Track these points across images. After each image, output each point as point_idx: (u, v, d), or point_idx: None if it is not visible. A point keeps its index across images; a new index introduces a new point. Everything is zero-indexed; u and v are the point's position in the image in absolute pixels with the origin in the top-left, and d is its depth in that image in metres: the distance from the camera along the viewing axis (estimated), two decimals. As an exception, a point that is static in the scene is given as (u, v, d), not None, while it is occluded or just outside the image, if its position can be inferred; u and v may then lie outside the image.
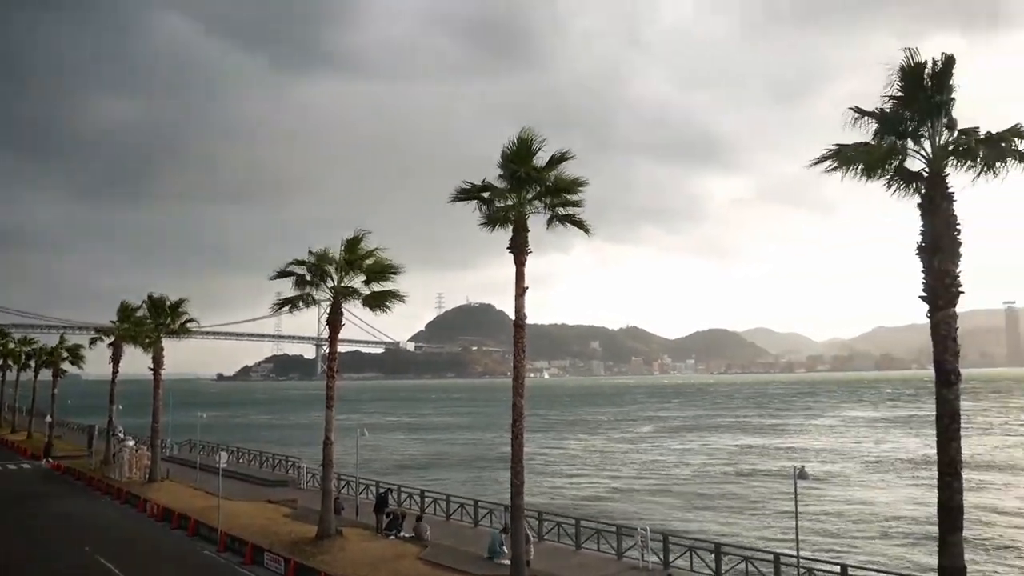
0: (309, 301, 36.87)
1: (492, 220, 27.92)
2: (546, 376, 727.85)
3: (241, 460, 62.88)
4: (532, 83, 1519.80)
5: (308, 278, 36.26)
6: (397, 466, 79.13)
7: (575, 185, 27.77)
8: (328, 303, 36.49)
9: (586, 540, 33.55)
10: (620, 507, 55.27)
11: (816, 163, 21.73)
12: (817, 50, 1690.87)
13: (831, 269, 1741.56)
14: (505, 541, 31.09)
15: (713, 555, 29.19)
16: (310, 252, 36.16)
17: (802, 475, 26.59)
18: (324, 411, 36.10)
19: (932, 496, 19.90)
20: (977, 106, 21.11)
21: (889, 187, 21.58)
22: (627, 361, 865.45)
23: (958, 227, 20.24)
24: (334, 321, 36.37)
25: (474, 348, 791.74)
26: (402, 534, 35.52)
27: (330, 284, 36.09)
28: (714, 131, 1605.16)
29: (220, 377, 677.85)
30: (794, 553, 26.54)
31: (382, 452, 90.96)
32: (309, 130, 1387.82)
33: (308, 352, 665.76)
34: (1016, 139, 20.47)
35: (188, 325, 53.89)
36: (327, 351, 38.58)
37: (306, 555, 31.69)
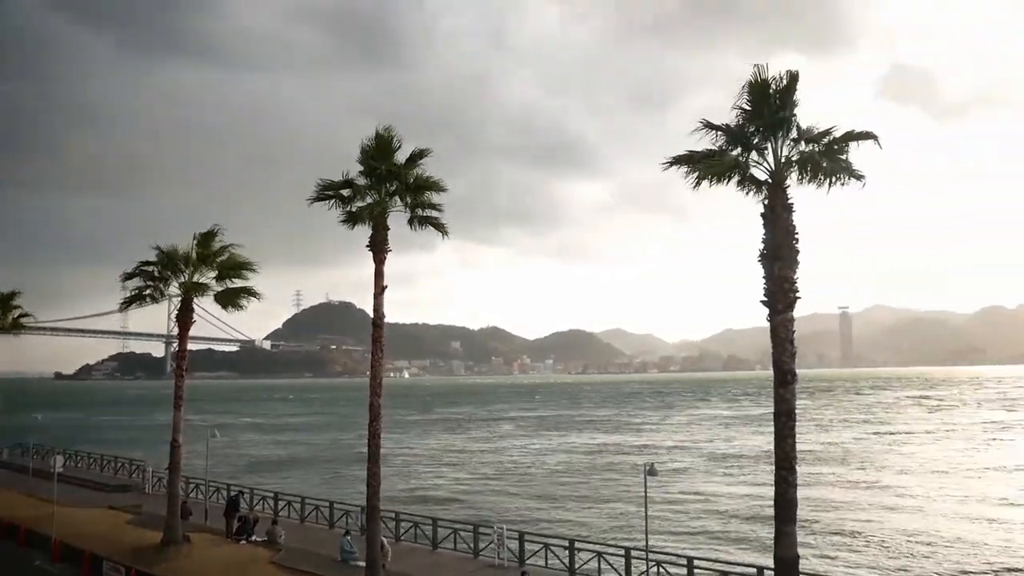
0: (158, 297, 35.28)
1: (352, 218, 27.56)
2: (406, 376, 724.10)
3: (80, 464, 59.38)
4: (399, 81, 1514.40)
5: (157, 274, 34.71)
6: (250, 468, 76.74)
7: (436, 184, 27.77)
8: (179, 299, 35.06)
9: (443, 540, 33.60)
10: (477, 506, 55.68)
11: (669, 166, 22.62)
12: (676, 62, 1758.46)
13: (684, 273, 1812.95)
14: (355, 543, 30.79)
15: (567, 551, 29.84)
16: (159, 249, 34.62)
17: (652, 472, 27.57)
18: (172, 412, 34.68)
19: (771, 490, 21.02)
20: (816, 121, 22.46)
21: (738, 195, 22.69)
22: (487, 361, 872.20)
23: (796, 236, 21.48)
24: (184, 318, 34.94)
25: (333, 347, 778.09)
26: (254, 538, 34.48)
27: (181, 280, 34.66)
28: (578, 136, 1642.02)
29: (59, 376, 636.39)
30: (644, 547, 27.49)
31: (235, 454, 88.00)
32: (166, 119, 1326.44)
33: (157, 350, 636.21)
34: (849, 143, 21.95)
35: (22, 320, 50.29)
36: (177, 349, 37.05)
37: (149, 563, 30.28)
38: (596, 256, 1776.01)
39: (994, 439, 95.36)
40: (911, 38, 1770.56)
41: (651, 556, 27.53)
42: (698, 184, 22.29)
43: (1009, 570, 37.09)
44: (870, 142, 21.77)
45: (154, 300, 35.38)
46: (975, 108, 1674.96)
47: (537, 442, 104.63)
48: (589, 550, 30.13)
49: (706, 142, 22.60)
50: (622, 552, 29.11)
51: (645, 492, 27.89)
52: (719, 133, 22.48)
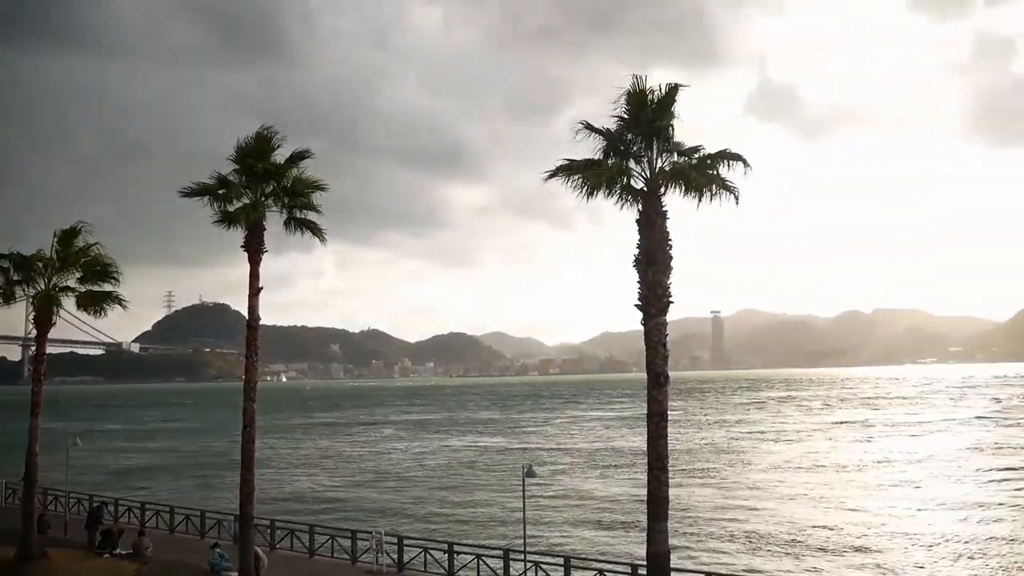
0: (9, 297, 33.24)
1: (227, 218, 26.79)
2: (283, 379, 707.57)
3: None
4: (282, 79, 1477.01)
5: (14, 276, 32.74)
6: (116, 477, 73.26)
7: (315, 185, 27.34)
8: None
9: (320, 547, 33.04)
10: (356, 511, 54.98)
11: (550, 176, 23.01)
12: (559, 71, 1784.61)
13: (564, 277, 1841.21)
14: (228, 554, 29.89)
15: (446, 554, 29.86)
16: (14, 254, 32.70)
17: (530, 473, 27.91)
18: (29, 419, 32.74)
19: (644, 488, 21.65)
20: (693, 134, 23.28)
21: (615, 202, 23.23)
22: (368, 364, 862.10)
23: (670, 243, 22.20)
24: (43, 321, 33.07)
25: (207, 350, 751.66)
26: (119, 552, 32.96)
27: (39, 284, 32.78)
28: (460, 140, 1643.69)
29: None
30: (522, 548, 27.79)
31: (99, 463, 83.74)
32: (24, 108, 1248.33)
33: (12, 353, 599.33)
34: (724, 162, 22.86)
35: None
36: (35, 352, 35.05)
37: (2, 580, 28.56)
38: (477, 260, 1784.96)
39: (855, 436, 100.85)
40: (779, 57, 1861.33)
41: (529, 556, 27.86)
42: (583, 195, 22.75)
43: (864, 551, 39.34)
44: (748, 165, 22.74)
45: (6, 301, 33.35)
46: (836, 125, 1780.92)
47: (418, 445, 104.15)
48: (468, 552, 30.25)
49: (585, 149, 23.16)
50: (500, 553, 29.36)
51: (523, 493, 28.19)
52: (599, 139, 23.06)
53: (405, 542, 31.67)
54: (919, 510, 51.35)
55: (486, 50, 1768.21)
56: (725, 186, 22.69)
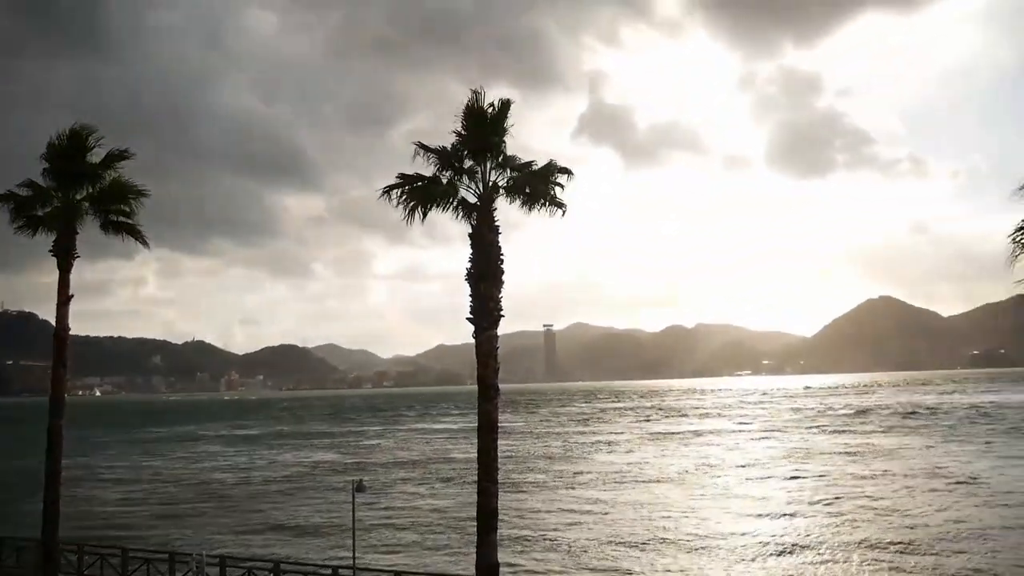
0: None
1: (33, 223, 24.95)
2: (98, 393, 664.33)
3: None
4: (99, 72, 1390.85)
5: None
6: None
7: (134, 188, 25.95)
8: None
9: (134, 571, 31.19)
10: (176, 532, 52.24)
11: (385, 192, 22.91)
12: (397, 83, 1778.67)
13: (399, 289, 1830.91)
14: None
15: (272, 574, 28.93)
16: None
17: (360, 488, 27.58)
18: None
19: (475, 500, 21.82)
20: (527, 152, 23.82)
21: (449, 216, 23.41)
22: (192, 377, 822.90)
23: (502, 257, 22.61)
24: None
25: (10, 362, 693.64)
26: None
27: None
28: (296, 148, 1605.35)
29: None
30: (351, 565, 27.35)
31: None
32: None
33: None
34: (554, 175, 23.53)
35: None
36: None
37: None
38: (310, 271, 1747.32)
39: (679, 445, 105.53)
40: (612, 82, 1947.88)
41: (358, 573, 27.45)
42: (414, 212, 22.78)
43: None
44: (574, 175, 23.60)
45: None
46: (664, 150, 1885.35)
47: (245, 460, 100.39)
48: (295, 571, 29.45)
49: (421, 161, 23.24)
50: (329, 571, 28.74)
51: (353, 508, 27.78)
52: (432, 156, 23.21)
53: (228, 563, 30.42)
54: (732, 512, 54.34)
55: (324, 58, 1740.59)
56: (555, 201, 23.37)
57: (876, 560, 39.27)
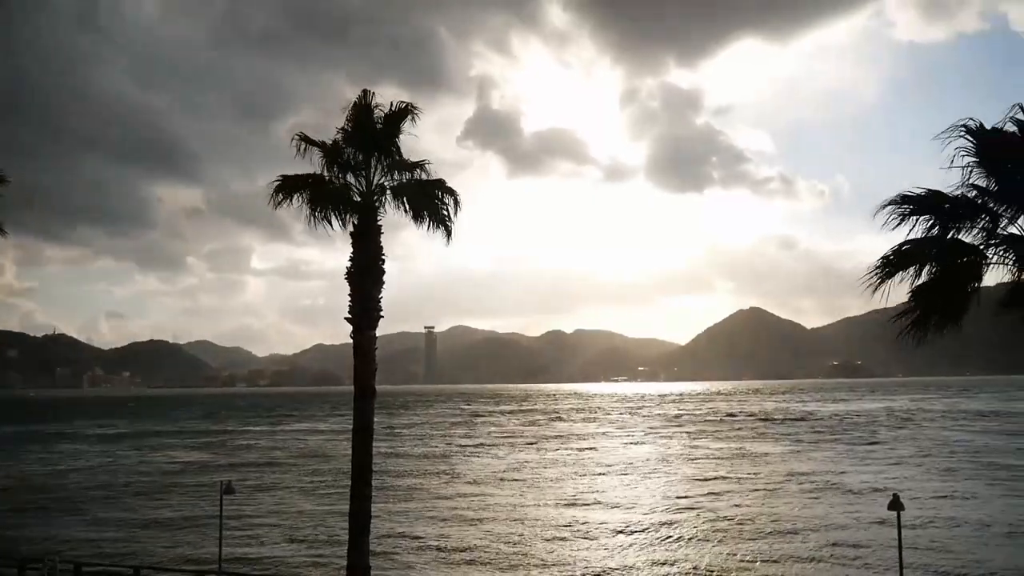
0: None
1: None
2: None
3: None
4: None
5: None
6: None
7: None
8: None
9: (-22, 578, 29.32)
10: (28, 537, 49.29)
11: (273, 193, 22.28)
12: (284, 77, 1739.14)
13: (278, 286, 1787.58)
14: None
15: (131, 579, 27.75)
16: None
17: (229, 490, 26.78)
18: None
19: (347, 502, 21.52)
20: (414, 153, 23.60)
21: (333, 215, 22.96)
22: (51, 373, 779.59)
23: (383, 257, 22.41)
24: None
25: None
26: None
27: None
28: (174, 137, 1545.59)
29: None
30: (217, 569, 26.52)
31: None
32: None
33: None
34: (441, 195, 23.33)
35: None
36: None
37: None
38: (184, 265, 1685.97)
39: (557, 447, 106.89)
40: (501, 89, 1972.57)
41: (223, 577, 26.65)
42: (304, 204, 22.21)
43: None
44: (459, 200, 23.17)
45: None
46: (548, 158, 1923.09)
47: (107, 461, 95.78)
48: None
49: (306, 162, 22.72)
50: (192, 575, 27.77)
51: (221, 511, 26.98)
52: (317, 151, 22.73)
53: (84, 568, 28.97)
54: (601, 510, 55.47)
55: (207, 47, 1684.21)
56: (440, 218, 23.01)
57: (731, 554, 40.90)
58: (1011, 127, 15.83)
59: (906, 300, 16.03)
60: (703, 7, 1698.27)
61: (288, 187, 22.05)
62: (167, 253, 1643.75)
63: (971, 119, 15.98)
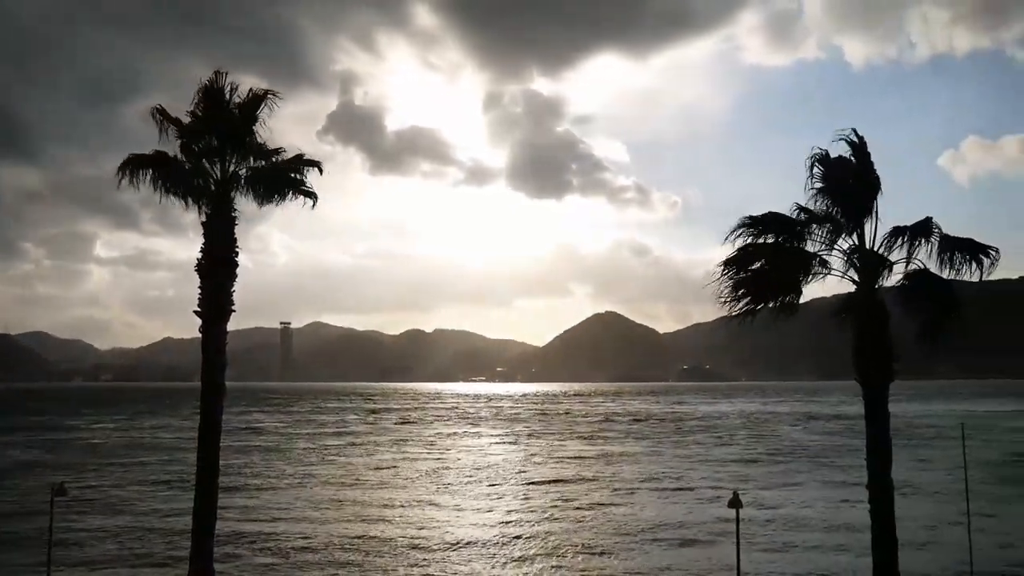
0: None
1: None
2: None
3: None
4: None
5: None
6: None
7: None
8: None
9: None
10: None
11: (119, 169, 21.20)
12: (134, 60, 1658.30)
13: (122, 277, 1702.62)
14: None
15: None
16: None
17: (60, 491, 25.14)
18: None
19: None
20: (271, 143, 22.99)
21: (183, 203, 22.06)
22: None
23: (237, 249, 21.66)
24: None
25: None
26: None
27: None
28: (8, 113, 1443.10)
29: None
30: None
31: None
32: None
33: None
34: (302, 169, 22.85)
35: None
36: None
37: None
38: (18, 250, 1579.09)
39: (419, 448, 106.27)
40: (364, 85, 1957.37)
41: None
42: (155, 193, 21.36)
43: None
44: (323, 170, 23.03)
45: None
46: (409, 157, 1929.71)
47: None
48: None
49: (157, 137, 21.79)
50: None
51: (51, 516, 25.29)
52: (173, 135, 21.83)
53: None
54: (456, 512, 55.63)
55: (53, 22, 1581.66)
56: (303, 191, 22.77)
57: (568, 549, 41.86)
58: (844, 148, 17.78)
59: (744, 299, 17.73)
60: (567, 20, 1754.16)
61: (135, 164, 20.97)
62: (2, 239, 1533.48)
63: (817, 147, 18.02)
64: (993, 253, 17.21)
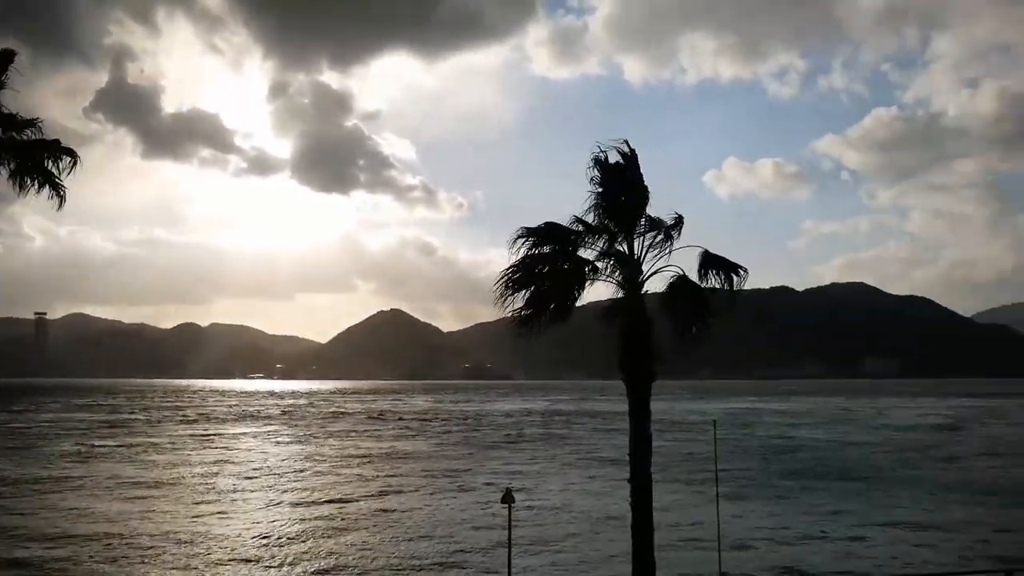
0: None
1: None
2: None
3: None
4: None
5: None
6: None
7: None
8: None
9: None
10: None
11: None
12: None
13: None
14: None
15: None
16: None
17: None
18: None
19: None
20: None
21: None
22: None
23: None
24: None
25: None
26: None
27: None
28: None
29: None
30: None
31: None
32: None
33: None
34: (56, 156, 20.96)
35: None
36: None
37: None
38: None
39: (187, 449, 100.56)
40: (138, 62, 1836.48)
41: None
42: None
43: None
44: (79, 161, 21.15)
45: None
46: (185, 141, 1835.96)
47: None
48: None
49: None
50: None
51: None
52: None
53: None
54: (230, 512, 53.29)
55: None
56: (52, 184, 20.94)
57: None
58: (618, 158, 18.86)
59: (523, 304, 18.44)
60: (359, 16, 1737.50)
61: None
62: None
63: (601, 151, 18.87)
64: (743, 272, 18.91)
